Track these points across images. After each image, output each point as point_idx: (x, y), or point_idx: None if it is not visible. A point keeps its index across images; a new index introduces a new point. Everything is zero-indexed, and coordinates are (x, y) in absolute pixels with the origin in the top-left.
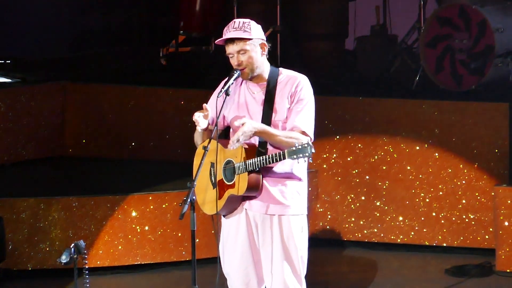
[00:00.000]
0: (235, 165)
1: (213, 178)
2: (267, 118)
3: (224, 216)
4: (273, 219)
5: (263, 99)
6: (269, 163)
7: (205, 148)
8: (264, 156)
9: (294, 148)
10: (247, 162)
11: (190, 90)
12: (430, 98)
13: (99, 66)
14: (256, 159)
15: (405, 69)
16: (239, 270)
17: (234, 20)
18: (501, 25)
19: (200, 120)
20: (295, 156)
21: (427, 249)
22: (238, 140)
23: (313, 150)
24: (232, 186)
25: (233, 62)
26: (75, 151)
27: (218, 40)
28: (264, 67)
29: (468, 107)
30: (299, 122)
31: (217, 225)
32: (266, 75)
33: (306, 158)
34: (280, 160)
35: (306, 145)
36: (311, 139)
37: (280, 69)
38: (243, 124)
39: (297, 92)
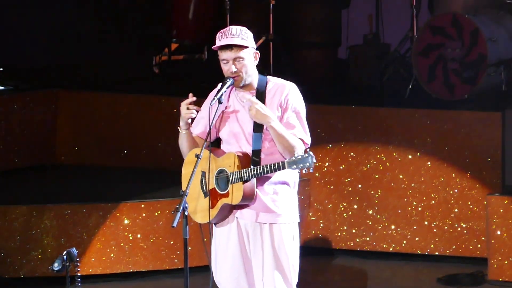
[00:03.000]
0: (229, 175)
1: (204, 187)
2: (259, 126)
3: (215, 224)
4: (264, 228)
5: None
6: (268, 173)
7: (197, 156)
8: (262, 166)
9: (294, 158)
10: (243, 172)
11: (183, 98)
12: (422, 107)
13: (91, 73)
14: (253, 169)
15: (398, 78)
16: (230, 279)
17: (231, 26)
18: (494, 34)
19: (183, 108)
20: (295, 166)
21: (419, 258)
22: (251, 101)
23: (314, 160)
24: (226, 195)
25: (227, 68)
26: (67, 159)
27: (216, 46)
28: (254, 76)
29: (461, 116)
30: (296, 132)
31: (209, 233)
32: (255, 84)
33: (306, 169)
34: (280, 170)
35: (307, 156)
36: (307, 144)
37: (268, 77)
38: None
39: (287, 101)
